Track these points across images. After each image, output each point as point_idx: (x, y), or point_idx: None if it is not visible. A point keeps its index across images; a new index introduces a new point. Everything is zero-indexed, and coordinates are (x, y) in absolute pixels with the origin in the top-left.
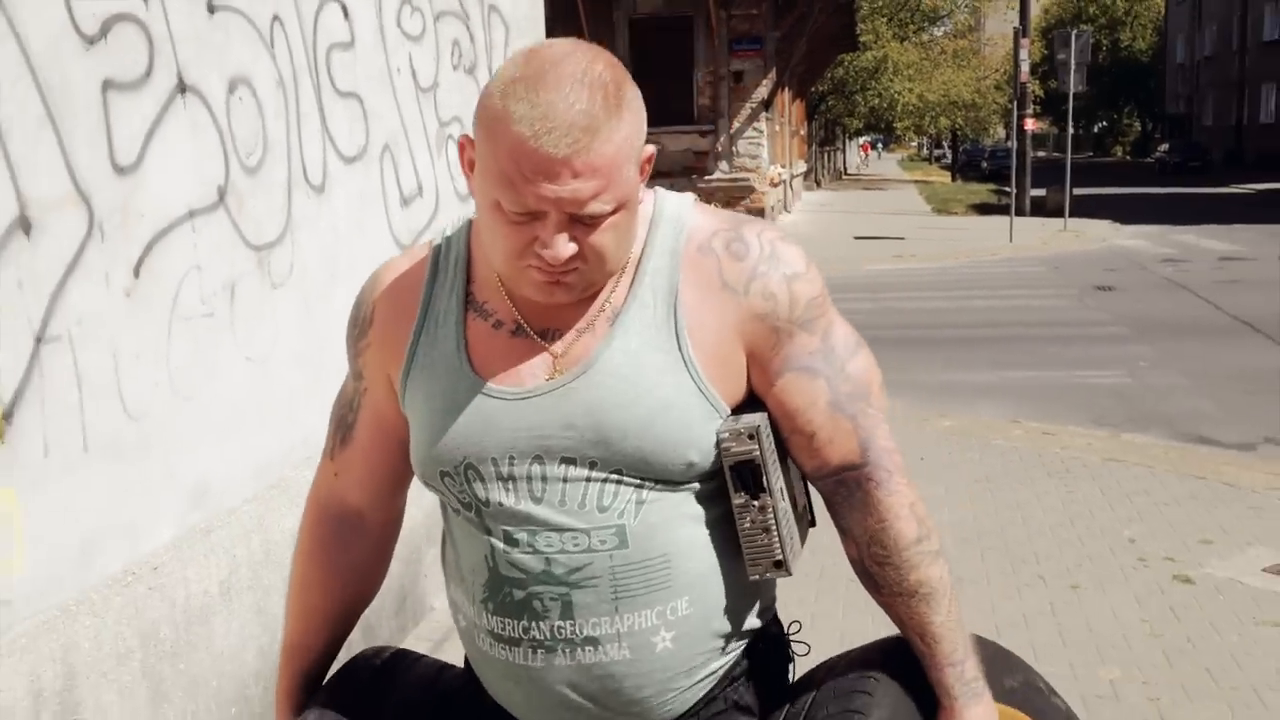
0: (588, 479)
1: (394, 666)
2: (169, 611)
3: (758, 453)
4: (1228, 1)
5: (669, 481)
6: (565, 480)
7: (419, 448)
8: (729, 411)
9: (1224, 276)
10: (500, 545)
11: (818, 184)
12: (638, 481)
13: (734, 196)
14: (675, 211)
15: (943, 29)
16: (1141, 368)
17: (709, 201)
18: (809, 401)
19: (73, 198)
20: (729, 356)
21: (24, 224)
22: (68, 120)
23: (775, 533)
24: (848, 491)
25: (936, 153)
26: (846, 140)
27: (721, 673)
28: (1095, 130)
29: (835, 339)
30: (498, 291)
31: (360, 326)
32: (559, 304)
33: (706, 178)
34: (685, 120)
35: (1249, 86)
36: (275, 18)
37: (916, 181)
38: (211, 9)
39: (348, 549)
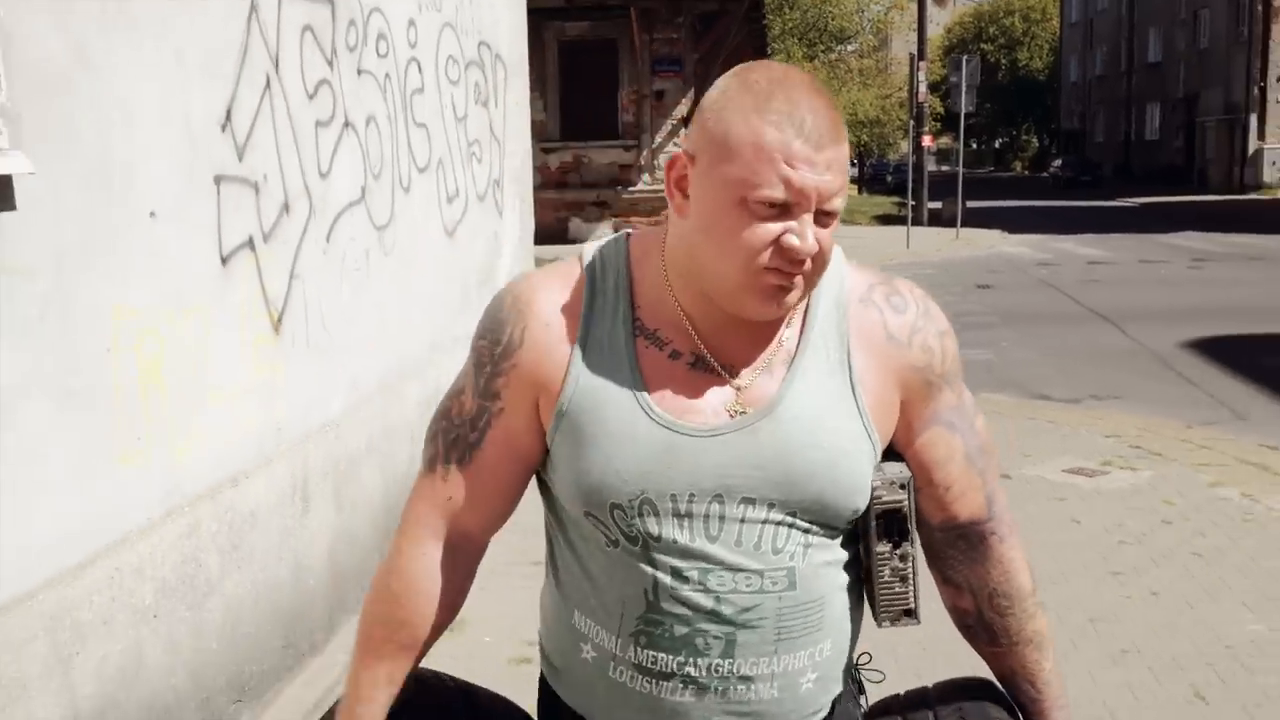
0: (765, 520)
1: (471, 696)
2: (343, 450)
3: (906, 503)
4: (1116, 24)
5: (831, 527)
6: (743, 520)
7: (585, 478)
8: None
9: (1088, 277)
10: (666, 580)
11: None
12: (807, 525)
13: (656, 207)
14: (834, 264)
15: (851, 48)
16: (1004, 346)
17: (633, 212)
18: (948, 456)
19: (303, 192)
20: (888, 404)
21: (285, 208)
22: (304, 144)
23: (911, 581)
24: (969, 545)
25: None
26: None
27: (828, 711)
28: (996, 145)
29: (967, 397)
30: (673, 319)
31: (505, 347)
32: (769, 318)
33: (631, 189)
34: (610, 135)
35: (1135, 105)
36: (386, 75)
37: None
38: (359, 72)
39: (451, 573)
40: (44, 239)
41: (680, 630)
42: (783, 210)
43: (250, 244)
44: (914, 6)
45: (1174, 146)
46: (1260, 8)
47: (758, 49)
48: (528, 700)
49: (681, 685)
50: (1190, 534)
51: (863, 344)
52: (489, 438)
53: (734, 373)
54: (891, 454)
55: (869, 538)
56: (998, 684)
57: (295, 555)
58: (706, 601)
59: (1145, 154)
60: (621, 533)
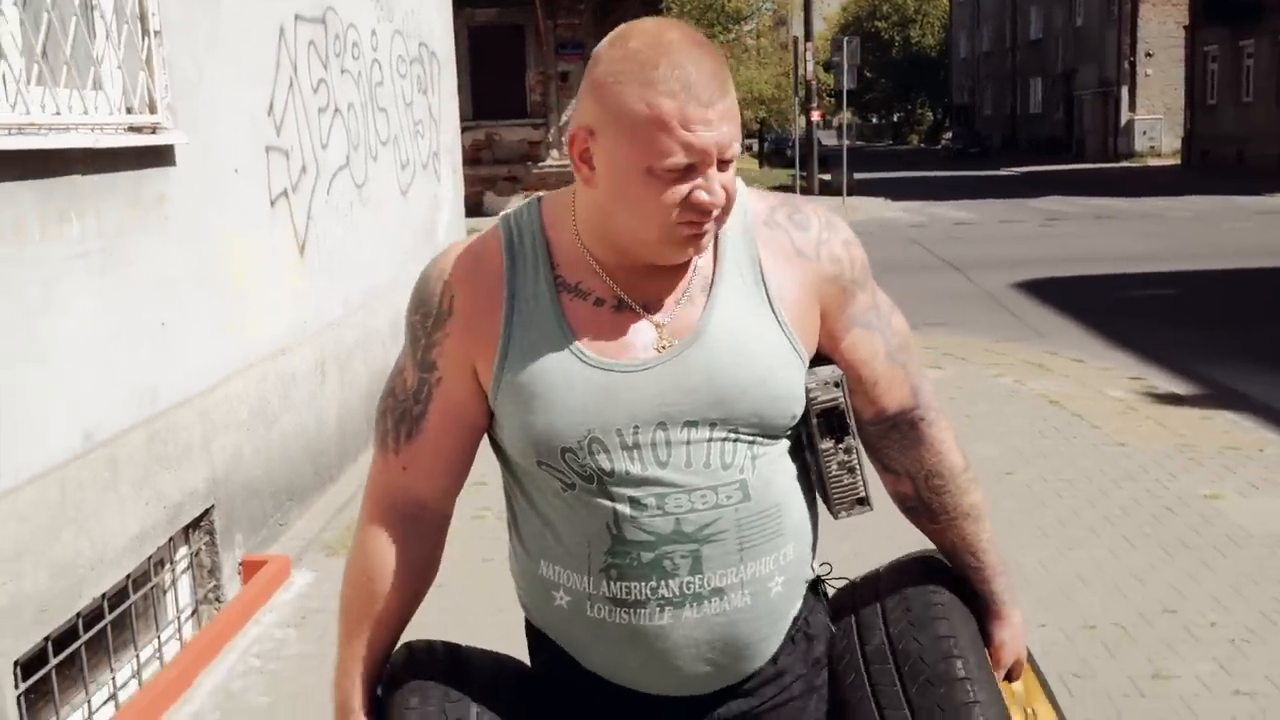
0: (709, 439)
1: (457, 654)
2: (343, 344)
3: (842, 399)
4: (1000, 2)
5: (774, 435)
6: (689, 443)
7: (532, 429)
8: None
9: (950, 235)
10: (626, 511)
11: None
12: (751, 438)
13: (563, 180)
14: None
15: (748, 28)
16: None
17: (543, 185)
18: (871, 354)
19: (312, 159)
20: (808, 316)
21: (303, 169)
22: (312, 125)
23: (859, 472)
24: (901, 433)
25: (748, 141)
26: None
27: (797, 610)
28: (894, 119)
29: (880, 298)
30: (591, 271)
31: (436, 317)
32: (688, 259)
33: (540, 164)
34: (519, 114)
35: (1020, 79)
36: (359, 73)
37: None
38: (342, 71)
39: (418, 545)
40: (188, 184)
41: (647, 556)
42: (688, 170)
43: (285, 193)
44: None
45: (1055, 119)
46: None
47: None
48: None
49: (658, 609)
50: (965, 405)
51: (775, 263)
52: (432, 408)
53: (656, 310)
54: (820, 360)
55: (813, 438)
56: (940, 558)
57: (317, 410)
58: (667, 524)
59: (1029, 126)
60: (576, 474)
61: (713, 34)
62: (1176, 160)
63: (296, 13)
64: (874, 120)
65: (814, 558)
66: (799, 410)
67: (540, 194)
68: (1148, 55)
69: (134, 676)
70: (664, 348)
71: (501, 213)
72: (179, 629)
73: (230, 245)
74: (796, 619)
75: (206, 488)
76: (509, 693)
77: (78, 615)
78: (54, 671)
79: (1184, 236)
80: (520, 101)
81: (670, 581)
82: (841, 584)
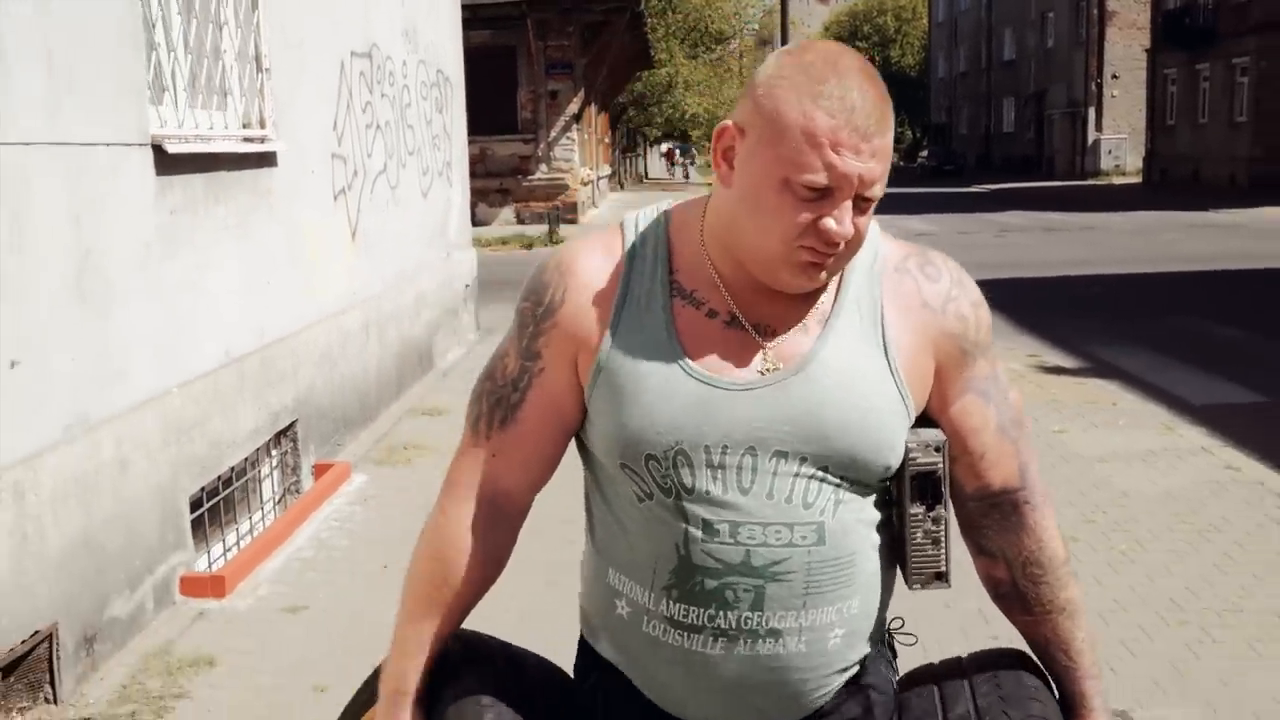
0: (796, 474)
1: (512, 655)
2: (380, 313)
3: (941, 465)
4: (976, 24)
5: (863, 484)
6: (775, 474)
7: (621, 430)
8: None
9: None
10: (698, 534)
11: (621, 186)
12: (838, 481)
13: (552, 193)
14: (869, 234)
15: (731, 47)
16: None
17: (531, 198)
18: (982, 424)
19: (361, 165)
20: (923, 369)
21: (354, 172)
22: (361, 138)
23: (944, 545)
24: (1002, 514)
25: None
26: (648, 147)
27: (856, 664)
28: None
29: (999, 369)
30: (711, 282)
31: (548, 307)
32: (801, 291)
33: (529, 178)
34: (511, 130)
35: (994, 100)
36: (394, 96)
37: (709, 184)
38: (382, 95)
39: (494, 533)
40: (284, 181)
41: (710, 583)
42: (823, 194)
43: (344, 191)
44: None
45: (1026, 138)
46: (1096, 12)
47: (641, 51)
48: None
49: (712, 638)
50: None
51: (897, 310)
52: (530, 398)
53: (767, 333)
54: (926, 422)
55: (903, 500)
56: (1030, 654)
57: (364, 361)
58: (736, 555)
59: (1003, 145)
60: (656, 484)
61: (696, 53)
62: (1139, 178)
63: (352, 50)
64: None
65: (885, 617)
66: (895, 463)
67: (669, 202)
68: (1114, 77)
69: (249, 532)
70: (768, 371)
71: (631, 213)
72: (273, 508)
73: (308, 228)
74: (856, 673)
75: (294, 405)
76: (555, 704)
77: (218, 478)
78: (206, 513)
79: (1121, 246)
80: (511, 118)
81: (729, 613)
82: (908, 639)
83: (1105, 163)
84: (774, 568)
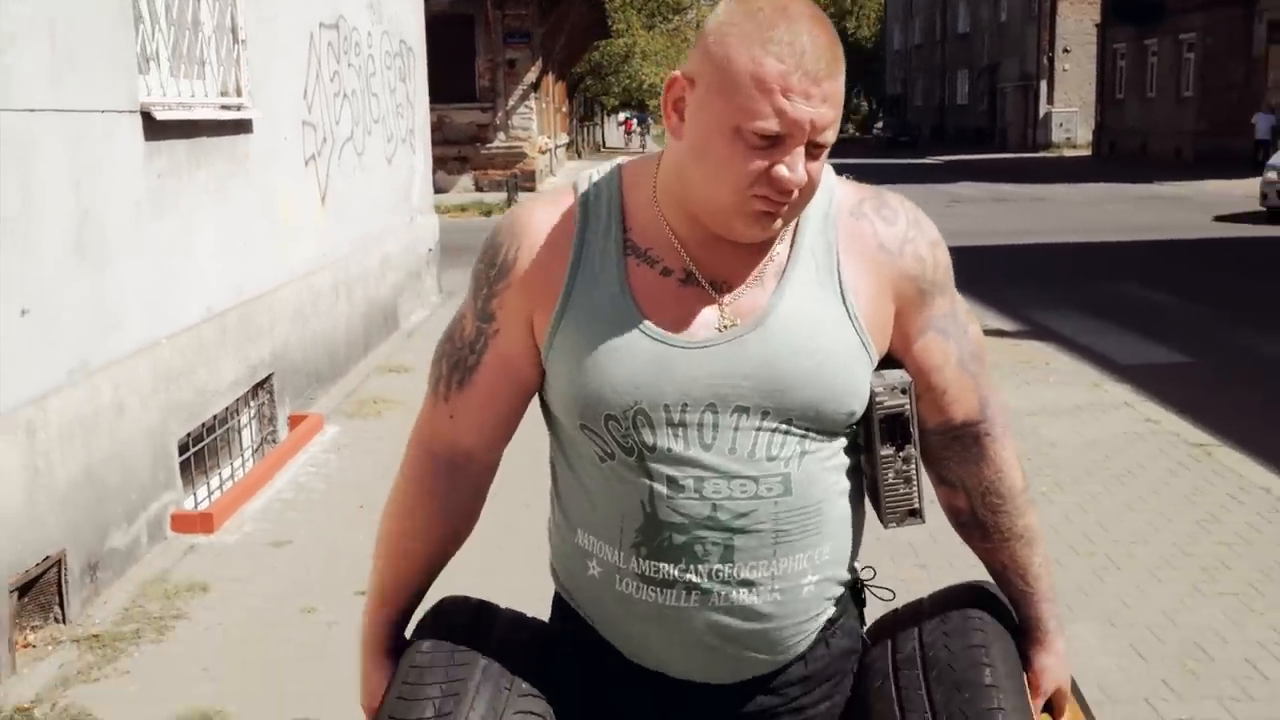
0: (758, 428)
1: (485, 610)
2: (348, 274)
3: (908, 406)
4: None
5: (828, 432)
6: (736, 429)
7: (581, 391)
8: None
9: None
10: (663, 490)
11: (579, 154)
12: (803, 431)
13: (510, 161)
14: (823, 180)
15: (689, 17)
16: None
17: (490, 166)
18: (943, 360)
19: (329, 132)
20: (882, 312)
21: (323, 140)
22: (329, 106)
23: (916, 482)
24: (963, 445)
25: None
26: (605, 116)
27: (829, 614)
28: None
29: (958, 305)
30: (664, 239)
31: (500, 268)
32: (755, 240)
33: (488, 145)
34: (469, 99)
35: (948, 72)
36: (360, 66)
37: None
38: (349, 65)
39: (456, 492)
40: (260, 147)
41: (679, 538)
42: (775, 141)
43: (314, 157)
44: None
45: (980, 110)
46: None
47: (599, 21)
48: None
49: (684, 592)
50: None
51: (854, 255)
52: (486, 359)
53: (724, 289)
54: (889, 362)
55: (872, 442)
56: (990, 586)
57: (333, 320)
58: (703, 509)
59: (957, 117)
60: (618, 444)
61: (654, 23)
62: (1090, 151)
63: (320, 21)
64: None
65: (854, 559)
66: (859, 409)
67: (622, 160)
68: (1065, 51)
69: (231, 477)
70: (725, 327)
71: (584, 172)
72: (252, 455)
73: (281, 192)
74: (830, 621)
75: (270, 360)
76: (525, 649)
77: (202, 425)
78: (192, 457)
79: (1066, 216)
80: (469, 87)
81: (699, 566)
82: (885, 594)
83: (1056, 135)
84: (741, 520)
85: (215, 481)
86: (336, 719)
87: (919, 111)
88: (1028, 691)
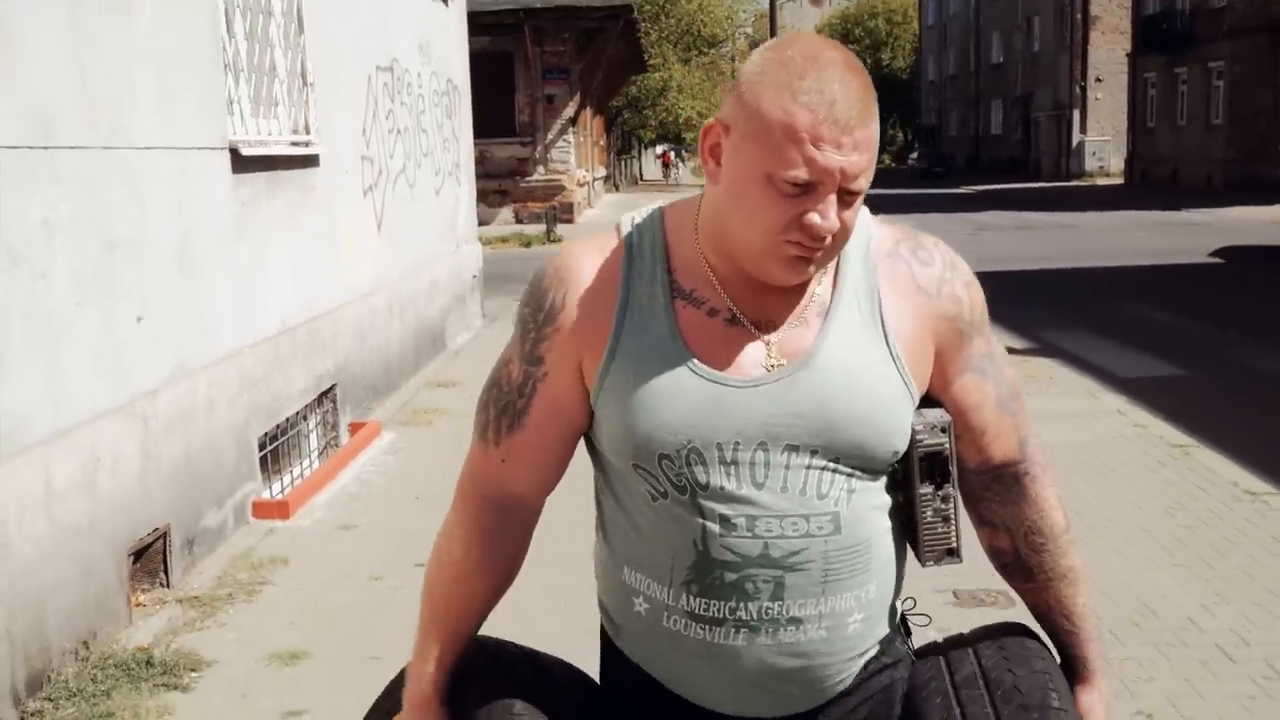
0: (808, 466)
1: (538, 661)
2: (400, 295)
3: (948, 445)
4: (964, 28)
5: (873, 471)
6: (787, 467)
7: (633, 432)
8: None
9: None
10: (715, 528)
11: (616, 188)
12: (850, 470)
13: (549, 194)
14: (860, 220)
15: (724, 51)
16: None
17: (530, 198)
18: (982, 400)
19: (384, 165)
20: (923, 353)
21: (379, 172)
22: (385, 141)
23: (954, 522)
24: (1004, 486)
25: None
26: (642, 150)
27: (873, 652)
28: None
29: (994, 345)
30: (708, 280)
31: (548, 313)
32: (790, 284)
33: (527, 179)
34: (509, 133)
35: (982, 102)
36: (411, 104)
37: (700, 186)
38: (401, 104)
39: (508, 537)
40: (324, 179)
41: (730, 576)
42: (806, 189)
43: (371, 188)
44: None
45: (1014, 139)
46: (1080, 16)
47: (635, 56)
48: (590, 663)
49: (734, 629)
50: None
51: (893, 296)
52: (535, 403)
53: (768, 328)
54: (928, 402)
55: (911, 480)
56: (1030, 628)
57: (388, 337)
58: (755, 547)
59: (991, 146)
60: (670, 483)
61: (689, 58)
62: (1122, 179)
63: (377, 64)
64: None
65: (898, 596)
66: (902, 448)
67: (662, 203)
68: (1097, 80)
69: (300, 475)
70: (773, 367)
71: (626, 214)
72: (317, 456)
73: (343, 220)
74: (875, 654)
75: (334, 371)
76: (580, 707)
77: (276, 426)
78: (268, 454)
79: (1089, 242)
80: (510, 121)
81: (750, 605)
82: (922, 620)
83: (1090, 164)
84: (792, 558)
85: (287, 478)
86: (402, 657)
87: (954, 141)
88: None
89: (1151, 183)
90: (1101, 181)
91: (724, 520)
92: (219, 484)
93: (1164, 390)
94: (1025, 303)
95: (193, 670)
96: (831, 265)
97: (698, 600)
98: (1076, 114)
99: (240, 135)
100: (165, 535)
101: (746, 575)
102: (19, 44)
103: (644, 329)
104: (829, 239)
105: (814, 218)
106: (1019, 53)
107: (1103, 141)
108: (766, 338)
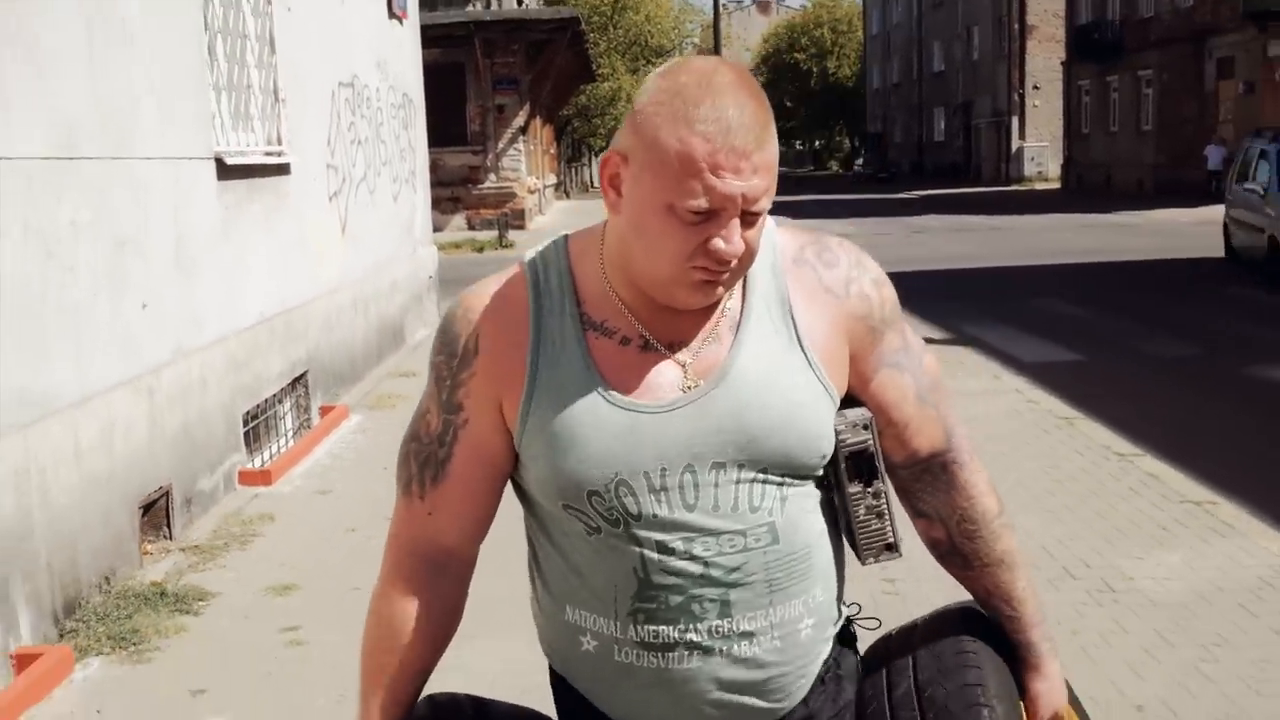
0: (737, 481)
1: (484, 709)
2: (362, 293)
3: (871, 442)
4: (907, 37)
5: (802, 476)
6: (716, 485)
7: (559, 472)
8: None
9: None
10: (654, 555)
11: (567, 194)
12: (779, 479)
13: (500, 201)
14: (765, 230)
15: (671, 61)
16: None
17: (482, 205)
18: (901, 395)
19: (347, 173)
20: (837, 354)
21: (343, 179)
22: (347, 151)
23: (888, 517)
24: (933, 476)
25: None
26: (593, 158)
27: (827, 652)
28: (814, 147)
29: (910, 338)
30: (617, 309)
31: (462, 357)
32: (699, 307)
33: (479, 186)
34: (461, 142)
35: (925, 109)
36: (370, 116)
37: None
38: (362, 117)
39: (443, 592)
40: (295, 186)
41: (675, 599)
42: (709, 215)
43: (335, 194)
44: (732, 23)
45: (956, 146)
46: (1017, 27)
47: (584, 66)
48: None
49: (686, 652)
50: None
51: (803, 301)
52: (457, 450)
53: (681, 349)
54: (850, 401)
55: (841, 480)
56: (978, 611)
57: (352, 331)
58: (695, 568)
59: (935, 152)
60: (602, 518)
61: (637, 67)
62: (1059, 184)
63: (340, 80)
64: (796, 146)
65: (842, 599)
66: (829, 450)
67: (567, 233)
68: (1035, 88)
69: (278, 450)
70: (690, 388)
71: (530, 249)
72: (292, 435)
73: (311, 223)
74: (826, 661)
75: (306, 359)
76: None
77: (257, 405)
78: (251, 430)
79: (1016, 243)
80: (461, 130)
81: (699, 625)
82: (871, 623)
83: (1029, 169)
84: (734, 574)
85: (266, 453)
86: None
87: (899, 148)
88: None
89: (1087, 187)
90: (1040, 186)
91: (661, 546)
92: (211, 452)
93: (1060, 373)
94: (949, 298)
95: (200, 600)
96: (724, 292)
97: (645, 629)
98: (1015, 120)
99: (223, 146)
100: (168, 494)
101: (691, 596)
102: (48, 68)
103: (559, 365)
104: (735, 261)
105: (718, 243)
106: (959, 61)
107: (1041, 147)
108: (681, 359)
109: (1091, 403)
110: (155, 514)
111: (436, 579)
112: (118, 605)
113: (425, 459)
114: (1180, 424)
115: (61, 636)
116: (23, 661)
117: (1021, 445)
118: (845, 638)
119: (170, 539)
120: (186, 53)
